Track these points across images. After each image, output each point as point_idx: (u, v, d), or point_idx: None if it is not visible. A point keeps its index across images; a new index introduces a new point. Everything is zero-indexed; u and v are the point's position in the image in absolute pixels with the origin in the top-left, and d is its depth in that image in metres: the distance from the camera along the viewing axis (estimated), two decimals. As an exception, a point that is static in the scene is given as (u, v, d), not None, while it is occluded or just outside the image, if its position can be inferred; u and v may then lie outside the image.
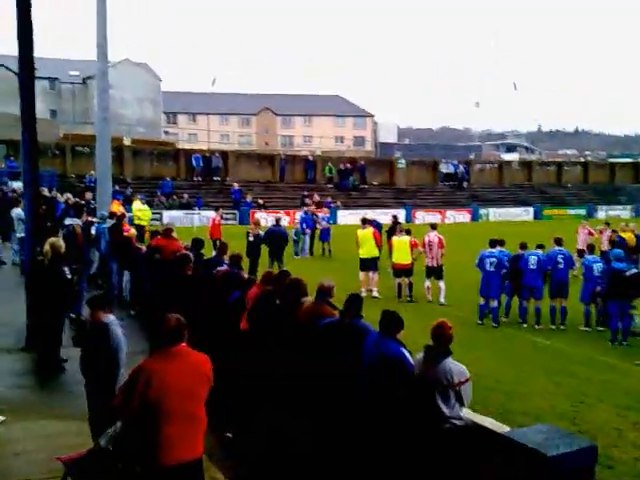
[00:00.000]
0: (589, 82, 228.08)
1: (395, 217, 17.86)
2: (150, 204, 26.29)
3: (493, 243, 12.19)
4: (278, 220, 15.87)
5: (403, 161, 41.36)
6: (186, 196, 31.69)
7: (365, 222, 14.46)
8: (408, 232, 13.72)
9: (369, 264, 13.95)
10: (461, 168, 41.77)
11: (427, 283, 13.29)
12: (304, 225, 20.14)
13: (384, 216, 22.63)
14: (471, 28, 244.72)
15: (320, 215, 20.94)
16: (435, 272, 13.24)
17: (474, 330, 11.00)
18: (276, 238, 14.84)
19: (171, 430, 3.85)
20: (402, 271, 13.46)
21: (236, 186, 32.62)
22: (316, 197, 30.93)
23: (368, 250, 14.01)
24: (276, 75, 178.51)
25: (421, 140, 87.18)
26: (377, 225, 16.32)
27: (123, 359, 5.01)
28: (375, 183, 39.83)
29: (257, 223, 15.14)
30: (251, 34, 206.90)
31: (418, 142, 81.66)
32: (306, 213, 20.85)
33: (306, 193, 32.54)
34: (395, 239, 13.55)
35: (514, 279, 11.50)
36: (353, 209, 32.94)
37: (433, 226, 13.86)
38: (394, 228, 16.03)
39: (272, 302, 5.94)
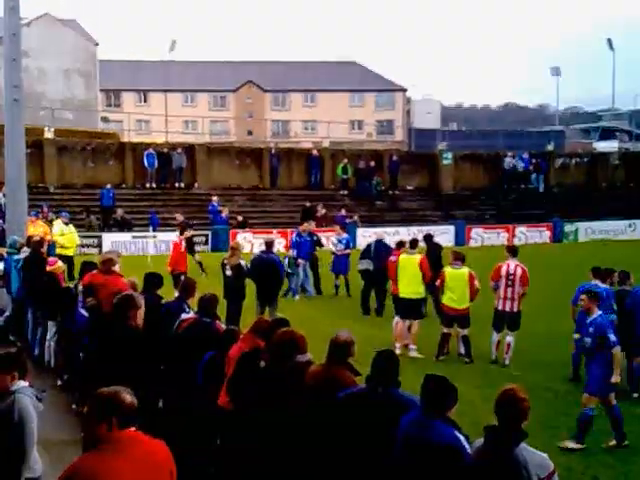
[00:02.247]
0: None
1: (429, 236, 18.55)
2: (79, 224, 26.97)
3: (599, 273, 12.48)
4: (269, 245, 15.75)
5: (450, 155, 42.46)
6: (120, 211, 31.93)
7: (414, 244, 14.80)
8: (463, 260, 13.84)
9: (410, 308, 14.27)
10: (535, 164, 42.68)
11: (496, 336, 13.54)
12: (295, 253, 20.36)
13: (421, 235, 22.28)
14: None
15: (334, 237, 21.37)
16: (510, 320, 13.42)
17: (559, 404, 11.04)
18: (266, 271, 14.94)
19: None
20: (455, 318, 13.73)
21: (215, 199, 33.42)
22: (321, 210, 32.52)
23: (410, 286, 14.31)
24: (263, 38, 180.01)
25: (475, 124, 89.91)
26: (433, 247, 17.49)
27: (31, 441, 5.16)
28: (410, 187, 41.58)
29: (236, 249, 15.00)
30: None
31: (471, 127, 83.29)
32: (300, 235, 20.87)
33: (308, 204, 33.70)
34: (448, 270, 13.71)
35: (621, 326, 11.45)
36: (378, 225, 33.68)
37: (512, 250, 13.93)
38: (435, 252, 16.82)
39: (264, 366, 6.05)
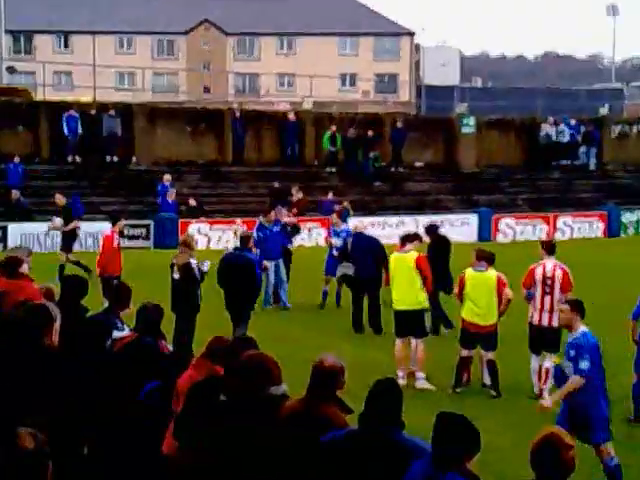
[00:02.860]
0: None
1: (433, 227, 18.91)
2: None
3: None
4: (245, 240, 15.83)
5: (472, 121, 42.55)
6: (18, 194, 31.83)
7: (407, 239, 14.96)
8: (490, 260, 14.03)
9: (408, 322, 14.41)
10: (585, 134, 42.78)
11: (536, 361, 13.70)
12: (258, 252, 19.38)
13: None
14: None
15: (334, 227, 21.83)
16: (549, 338, 13.55)
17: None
18: (237, 274, 15.07)
19: None
20: (478, 337, 13.90)
21: (167, 179, 33.71)
22: (296, 193, 32.87)
23: (405, 294, 14.49)
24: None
25: (506, 80, 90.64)
26: (439, 243, 17.88)
27: None
28: (418, 164, 41.75)
29: (187, 245, 15.03)
30: None
31: (500, 84, 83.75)
32: (262, 228, 20.74)
33: (277, 185, 34.44)
34: (470, 274, 13.89)
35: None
36: (378, 214, 33.78)
37: (548, 247, 14.11)
38: (440, 249, 17.32)
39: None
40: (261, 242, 19.92)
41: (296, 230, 22.05)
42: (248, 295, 15.21)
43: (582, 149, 43.07)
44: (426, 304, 14.68)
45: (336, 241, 20.53)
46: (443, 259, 17.03)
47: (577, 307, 9.95)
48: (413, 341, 14.38)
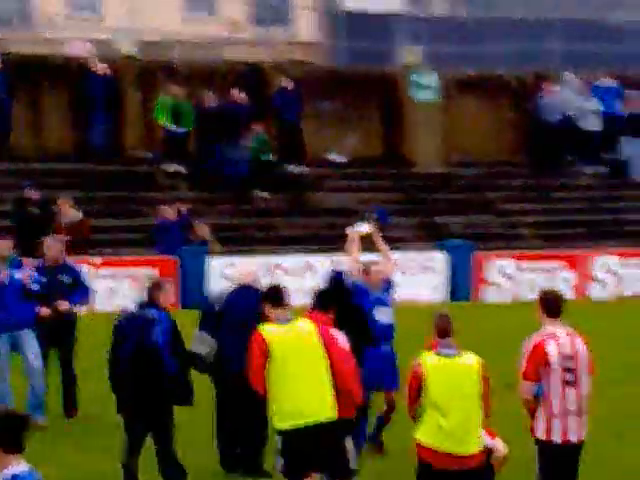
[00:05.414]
0: None
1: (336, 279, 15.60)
2: None
3: None
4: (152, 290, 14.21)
5: (433, 79, 34.20)
6: None
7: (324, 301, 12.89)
8: (450, 336, 11.47)
9: (309, 452, 12.00)
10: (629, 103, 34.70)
11: None
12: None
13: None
14: None
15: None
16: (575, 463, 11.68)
17: None
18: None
19: None
20: (454, 477, 11.62)
21: None
22: (65, 206, 27.70)
23: (305, 401, 12.03)
24: None
25: (489, 6, 78.41)
26: (346, 299, 14.73)
27: None
28: (336, 159, 33.88)
29: None
30: None
31: (479, 12, 72.94)
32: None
33: (27, 193, 28.85)
34: (432, 362, 11.40)
35: None
36: (260, 247, 29.40)
37: (552, 306, 11.54)
38: (349, 309, 14.73)
39: None
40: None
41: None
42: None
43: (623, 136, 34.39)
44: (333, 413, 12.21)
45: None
46: (359, 327, 13.61)
47: None
48: None
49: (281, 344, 11.54)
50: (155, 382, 12.89)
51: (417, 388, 11.00)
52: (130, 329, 13.02)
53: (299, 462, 11.50)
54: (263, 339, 11.60)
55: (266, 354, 11.49)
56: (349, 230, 15.32)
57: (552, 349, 11.10)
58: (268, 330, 11.60)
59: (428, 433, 10.99)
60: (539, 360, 11.11)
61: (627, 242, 32.11)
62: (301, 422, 11.48)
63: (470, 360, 11.14)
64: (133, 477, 11.38)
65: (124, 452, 12.55)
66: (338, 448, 11.98)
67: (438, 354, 11.18)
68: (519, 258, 30.98)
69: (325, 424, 11.61)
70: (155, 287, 13.67)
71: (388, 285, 16.10)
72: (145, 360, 12.90)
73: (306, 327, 11.94)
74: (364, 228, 16.02)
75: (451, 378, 11.05)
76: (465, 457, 10.88)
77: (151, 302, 13.17)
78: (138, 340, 12.98)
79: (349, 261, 16.81)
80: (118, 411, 13.03)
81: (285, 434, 11.50)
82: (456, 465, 10.89)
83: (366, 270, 15.13)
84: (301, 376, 11.76)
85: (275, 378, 11.63)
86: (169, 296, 13.73)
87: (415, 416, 11.10)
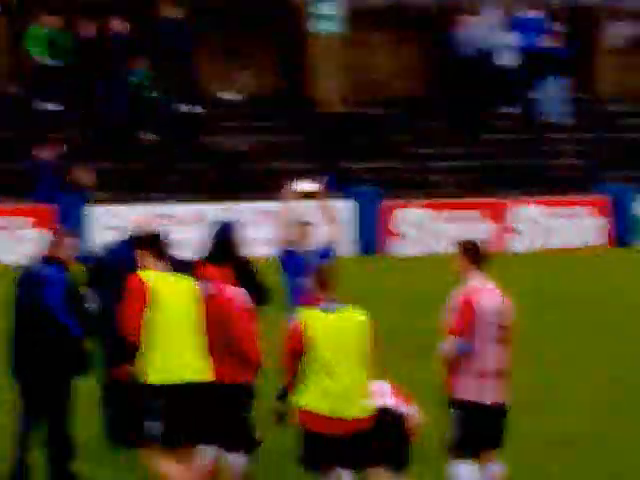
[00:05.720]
0: None
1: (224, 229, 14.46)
2: None
3: None
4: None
5: (337, 9, 33.65)
6: None
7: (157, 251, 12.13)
8: (331, 289, 11.40)
9: (186, 415, 11.66)
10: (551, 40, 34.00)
11: (467, 472, 11.49)
12: None
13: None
14: None
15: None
16: (498, 426, 11.37)
17: None
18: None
19: None
20: (342, 447, 11.17)
21: None
22: None
23: (179, 356, 11.77)
24: None
25: None
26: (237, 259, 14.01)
27: None
28: (228, 97, 33.87)
29: None
30: None
31: None
32: None
33: None
34: (315, 317, 11.12)
35: None
36: (146, 198, 28.84)
37: (474, 254, 11.61)
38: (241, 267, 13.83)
39: None
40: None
41: None
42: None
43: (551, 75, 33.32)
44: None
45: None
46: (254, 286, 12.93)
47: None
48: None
49: (161, 294, 11.17)
50: (50, 349, 12.16)
51: (298, 348, 10.72)
52: (22, 288, 12.46)
53: (176, 426, 10.87)
54: (143, 283, 11.15)
55: (145, 300, 10.98)
56: (289, 188, 14.72)
57: (484, 304, 10.97)
58: (149, 276, 11.20)
59: (312, 396, 10.73)
60: (469, 315, 10.90)
61: (549, 189, 31.39)
62: (175, 378, 10.99)
63: (358, 315, 10.78)
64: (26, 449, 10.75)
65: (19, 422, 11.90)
66: (234, 416, 11.45)
67: (322, 310, 10.82)
68: (433, 207, 30.23)
69: (203, 385, 11.17)
70: (55, 241, 13.00)
71: (327, 251, 15.24)
72: (38, 324, 12.29)
73: (187, 281, 11.53)
74: (308, 186, 15.31)
75: (338, 335, 10.71)
76: (354, 420, 10.58)
77: (50, 258, 12.57)
78: (31, 301, 12.36)
79: (284, 227, 15.83)
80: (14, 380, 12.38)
81: (156, 389, 10.97)
82: (343, 429, 10.54)
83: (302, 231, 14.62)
84: (177, 331, 11.29)
85: (151, 327, 11.18)
86: (70, 250, 12.81)
87: (291, 381, 10.75)
